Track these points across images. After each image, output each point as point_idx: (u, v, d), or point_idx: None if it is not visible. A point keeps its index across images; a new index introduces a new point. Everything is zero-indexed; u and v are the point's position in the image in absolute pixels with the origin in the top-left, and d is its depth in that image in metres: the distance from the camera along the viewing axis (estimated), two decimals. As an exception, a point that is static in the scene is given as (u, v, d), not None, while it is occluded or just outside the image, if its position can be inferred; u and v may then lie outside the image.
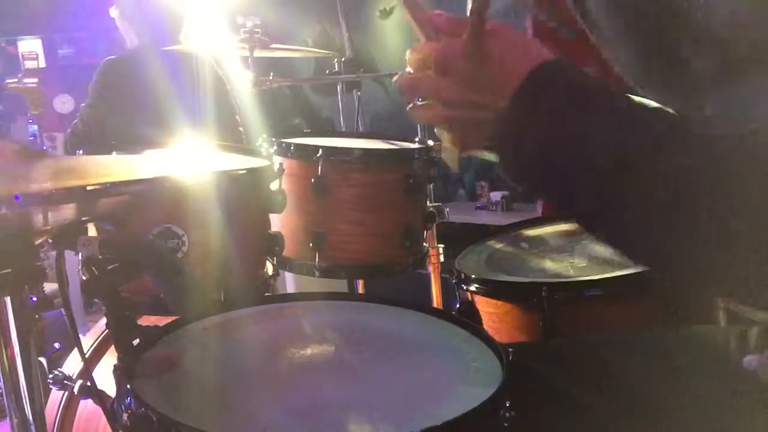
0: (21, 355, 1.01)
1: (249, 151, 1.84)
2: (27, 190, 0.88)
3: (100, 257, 1.09)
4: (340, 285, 2.24)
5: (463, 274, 1.63)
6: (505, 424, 0.97)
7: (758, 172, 0.65)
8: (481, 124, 0.82)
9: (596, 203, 0.74)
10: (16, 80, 2.58)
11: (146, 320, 1.31)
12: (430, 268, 2.14)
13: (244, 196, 1.59)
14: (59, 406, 1.57)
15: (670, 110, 0.77)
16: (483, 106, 0.82)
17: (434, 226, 1.98)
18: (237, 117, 3.17)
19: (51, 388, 1.54)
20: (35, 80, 2.60)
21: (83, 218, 1.10)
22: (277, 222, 1.68)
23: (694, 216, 0.67)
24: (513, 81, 0.79)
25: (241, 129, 3.15)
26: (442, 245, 2.10)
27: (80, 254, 1.16)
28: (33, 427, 1.03)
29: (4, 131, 4.90)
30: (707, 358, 1.08)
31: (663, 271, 0.75)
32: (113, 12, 3.17)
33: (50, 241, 1.08)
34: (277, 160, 1.70)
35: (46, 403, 1.53)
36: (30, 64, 2.60)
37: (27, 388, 1.02)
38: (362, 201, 1.70)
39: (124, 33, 3.20)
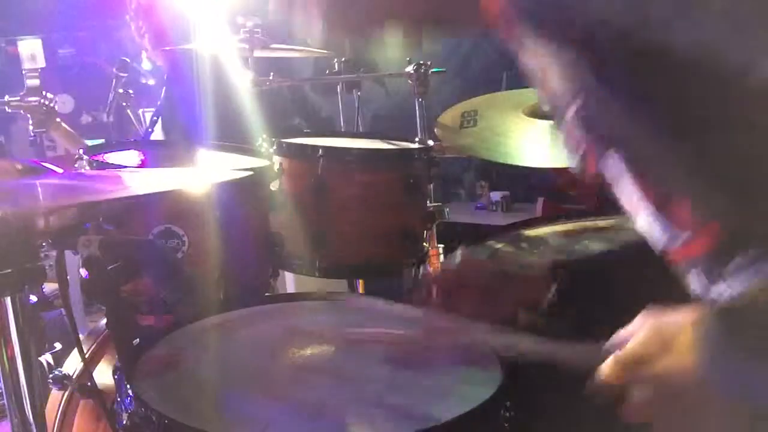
0: (21, 355, 1.01)
1: (249, 151, 1.84)
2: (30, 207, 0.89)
3: (100, 257, 1.09)
4: (340, 285, 2.24)
5: (463, 274, 1.62)
6: (505, 424, 0.97)
7: None
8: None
9: None
10: (18, 98, 2.57)
11: (146, 320, 1.31)
12: (430, 268, 2.13)
13: (244, 196, 1.59)
14: (59, 406, 1.57)
15: None
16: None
17: (434, 226, 1.98)
18: (234, 113, 3.16)
19: (51, 388, 1.54)
20: (38, 98, 2.59)
21: (84, 220, 1.10)
22: (277, 222, 1.68)
23: None
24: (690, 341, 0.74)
25: (235, 125, 3.14)
26: (442, 245, 2.10)
27: (80, 254, 1.16)
28: (33, 427, 1.03)
29: (4, 131, 4.90)
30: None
31: None
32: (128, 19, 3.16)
33: (50, 241, 1.08)
34: (277, 160, 1.70)
35: (46, 403, 1.53)
36: (32, 83, 2.59)
37: (27, 388, 1.02)
38: (362, 201, 1.69)
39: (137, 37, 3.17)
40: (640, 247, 0.81)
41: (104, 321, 1.23)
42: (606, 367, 0.79)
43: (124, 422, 0.97)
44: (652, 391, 0.75)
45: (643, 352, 0.77)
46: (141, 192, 1.03)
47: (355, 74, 2.79)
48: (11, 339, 1.00)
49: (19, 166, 1.19)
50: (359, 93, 2.81)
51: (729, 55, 0.62)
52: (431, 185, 1.93)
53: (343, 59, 2.83)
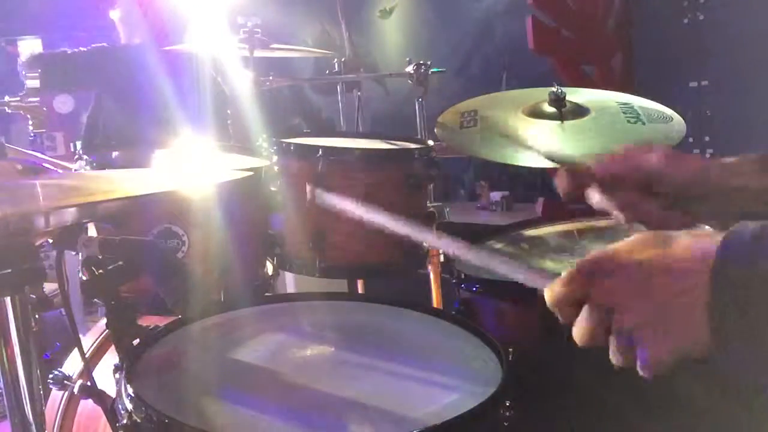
0: (21, 355, 1.01)
1: (249, 151, 1.84)
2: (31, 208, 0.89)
3: (100, 257, 1.09)
4: (340, 285, 2.24)
5: (463, 274, 1.62)
6: (505, 424, 0.97)
7: None
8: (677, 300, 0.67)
9: None
10: (18, 98, 2.57)
11: (146, 320, 1.31)
12: (430, 268, 2.13)
13: (244, 197, 1.59)
14: (59, 406, 1.57)
15: None
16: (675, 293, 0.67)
17: (434, 226, 1.98)
18: (228, 111, 3.16)
19: (51, 388, 1.54)
20: (37, 99, 2.59)
21: (84, 220, 1.10)
22: (277, 222, 1.67)
23: None
24: (701, 246, 0.67)
25: (229, 122, 3.14)
26: (442, 245, 2.10)
27: (80, 254, 1.16)
28: (33, 427, 1.03)
29: (4, 131, 4.90)
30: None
31: None
32: (113, 14, 3.16)
33: (50, 241, 1.08)
34: (277, 160, 1.70)
35: (46, 403, 1.53)
36: (31, 83, 2.59)
37: (27, 388, 1.02)
38: (362, 201, 1.69)
39: (124, 36, 3.18)
40: None
41: (104, 321, 1.23)
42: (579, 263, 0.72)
43: (124, 422, 0.97)
44: (636, 277, 0.67)
45: (627, 246, 0.70)
46: (141, 193, 1.03)
47: (355, 74, 2.79)
48: (11, 339, 1.00)
49: (19, 167, 1.19)
50: (359, 93, 2.82)
51: None
52: (431, 185, 1.93)
53: (343, 59, 2.83)
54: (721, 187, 0.94)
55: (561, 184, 1.01)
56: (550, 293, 0.72)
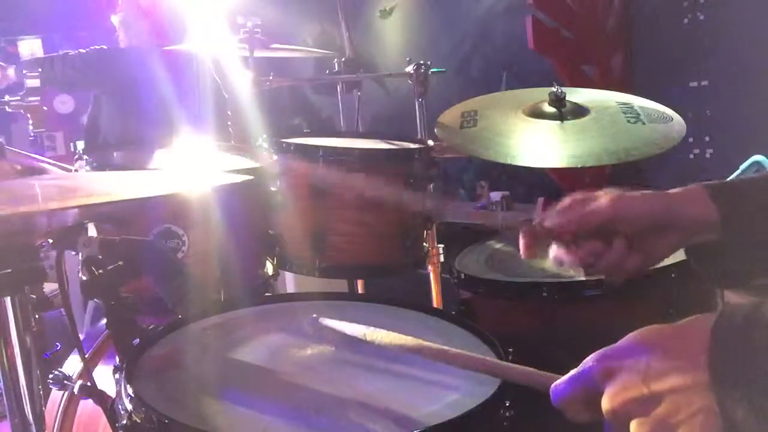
0: (21, 355, 1.01)
1: (249, 151, 1.84)
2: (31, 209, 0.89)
3: (100, 257, 1.09)
4: (340, 285, 2.24)
5: (463, 274, 1.63)
6: (505, 424, 0.97)
7: None
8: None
9: None
10: (18, 98, 2.58)
11: (146, 320, 1.31)
12: (430, 268, 2.13)
13: (244, 196, 1.59)
14: (59, 406, 1.57)
15: None
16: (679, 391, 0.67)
17: (434, 226, 1.98)
18: (228, 112, 3.17)
19: (51, 388, 1.54)
20: (38, 98, 2.60)
21: (84, 220, 1.10)
22: (277, 222, 1.68)
23: None
24: (694, 346, 0.67)
25: (229, 123, 3.15)
26: (442, 245, 2.10)
27: (80, 254, 1.16)
28: (33, 427, 1.03)
29: (4, 131, 4.90)
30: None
31: None
32: (115, 19, 3.16)
33: (50, 241, 1.08)
34: (277, 160, 1.70)
35: (46, 403, 1.53)
36: (31, 83, 2.60)
37: (27, 388, 1.02)
38: (362, 201, 1.69)
39: (125, 39, 3.18)
40: None
41: (104, 321, 1.23)
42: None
43: (124, 422, 0.97)
44: (638, 381, 0.67)
45: (627, 346, 0.70)
46: (141, 195, 1.03)
47: (355, 74, 2.79)
48: (11, 339, 1.00)
49: (19, 167, 1.19)
50: (359, 93, 2.81)
51: None
52: (431, 185, 1.93)
53: (343, 59, 2.83)
54: (673, 220, 0.96)
55: (523, 243, 1.04)
56: (556, 394, 0.74)
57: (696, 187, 0.98)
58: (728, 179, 0.99)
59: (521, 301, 1.55)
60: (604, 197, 0.98)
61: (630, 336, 0.72)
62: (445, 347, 0.94)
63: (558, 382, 0.74)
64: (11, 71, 2.92)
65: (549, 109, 1.70)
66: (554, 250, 1.02)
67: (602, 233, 0.98)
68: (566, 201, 1.02)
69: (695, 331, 0.68)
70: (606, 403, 0.69)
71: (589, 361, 0.72)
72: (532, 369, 0.82)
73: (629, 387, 0.68)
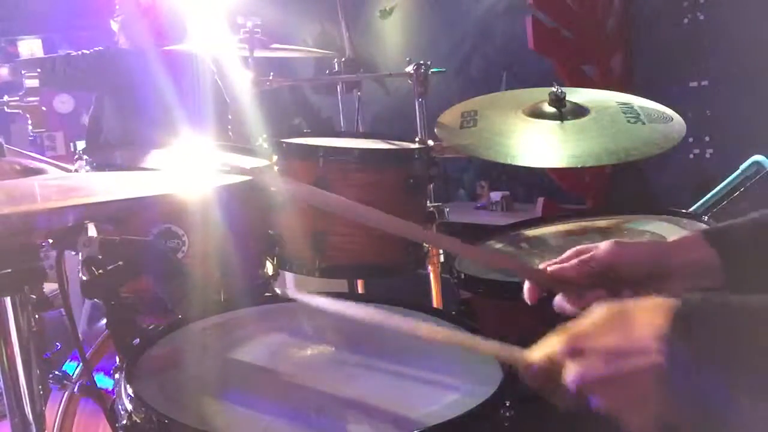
0: (21, 355, 1.01)
1: (249, 151, 1.84)
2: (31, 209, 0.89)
3: (100, 257, 1.09)
4: (340, 285, 2.24)
5: (463, 274, 1.62)
6: (505, 424, 0.97)
7: None
8: (635, 377, 0.75)
9: None
10: (17, 98, 2.58)
11: (146, 320, 1.31)
12: (430, 268, 2.13)
13: (244, 197, 1.59)
14: (59, 406, 1.57)
15: None
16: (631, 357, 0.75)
17: (434, 226, 1.98)
18: (228, 116, 3.17)
19: (51, 388, 1.54)
20: (37, 98, 2.60)
21: (84, 220, 1.10)
22: (277, 222, 1.67)
23: None
24: (655, 323, 0.75)
25: (229, 127, 3.15)
26: (442, 245, 2.10)
27: (80, 254, 1.16)
28: (33, 427, 1.03)
29: (4, 131, 4.91)
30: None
31: None
32: (114, 23, 3.16)
33: (50, 241, 1.08)
34: (277, 160, 1.70)
35: (46, 403, 1.53)
36: (31, 83, 2.60)
37: (27, 388, 1.02)
38: (362, 201, 1.69)
39: (125, 42, 3.17)
40: None
41: (104, 321, 1.23)
42: (551, 342, 0.81)
43: (124, 422, 0.97)
44: (602, 362, 0.75)
45: (593, 327, 0.79)
46: (141, 195, 1.03)
47: (355, 74, 2.79)
48: (11, 339, 1.00)
49: (18, 167, 1.19)
50: (359, 93, 2.81)
51: None
52: (431, 185, 1.93)
53: (343, 59, 2.83)
54: (674, 267, 0.98)
55: (529, 296, 1.09)
56: (526, 368, 0.84)
57: (693, 234, 1.03)
58: (723, 224, 1.02)
59: (521, 301, 1.55)
60: (604, 244, 1.01)
61: (595, 314, 0.80)
62: (416, 322, 0.96)
63: (531, 362, 0.83)
64: (4, 70, 2.92)
65: (549, 109, 1.70)
66: (558, 299, 1.04)
67: (606, 282, 1.00)
68: (569, 252, 1.05)
69: (655, 313, 0.75)
70: (571, 380, 0.77)
71: (556, 342, 0.80)
72: (501, 343, 0.91)
73: (592, 368, 0.76)
